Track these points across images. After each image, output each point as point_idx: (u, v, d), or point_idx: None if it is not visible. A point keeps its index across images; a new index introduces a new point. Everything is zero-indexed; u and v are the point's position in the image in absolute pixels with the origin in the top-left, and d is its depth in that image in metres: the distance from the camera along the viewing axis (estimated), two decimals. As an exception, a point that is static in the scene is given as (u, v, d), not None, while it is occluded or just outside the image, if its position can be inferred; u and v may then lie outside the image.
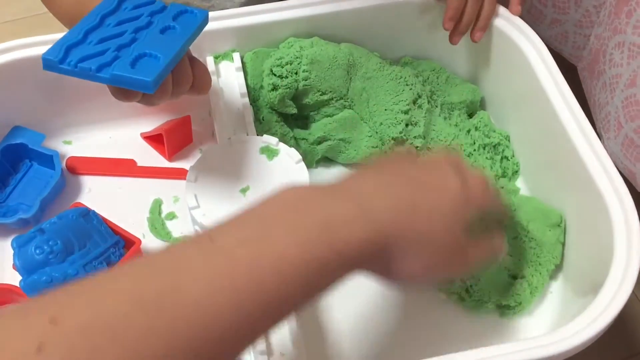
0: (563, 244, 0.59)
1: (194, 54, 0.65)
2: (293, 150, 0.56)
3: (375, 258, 0.38)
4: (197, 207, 0.53)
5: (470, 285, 0.56)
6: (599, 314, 0.47)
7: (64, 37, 0.47)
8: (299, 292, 0.35)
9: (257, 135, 0.60)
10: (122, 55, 0.46)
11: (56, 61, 0.46)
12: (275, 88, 0.62)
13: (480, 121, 0.66)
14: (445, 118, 0.67)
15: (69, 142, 0.69)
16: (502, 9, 0.65)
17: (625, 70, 0.65)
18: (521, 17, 0.64)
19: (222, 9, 0.65)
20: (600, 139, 0.56)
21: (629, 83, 0.65)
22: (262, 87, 0.66)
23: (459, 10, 0.63)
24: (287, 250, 0.34)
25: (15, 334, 0.28)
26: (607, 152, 0.68)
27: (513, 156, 0.66)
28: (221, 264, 0.33)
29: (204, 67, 0.52)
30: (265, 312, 0.34)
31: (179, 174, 0.66)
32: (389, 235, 0.38)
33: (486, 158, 0.65)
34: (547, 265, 0.58)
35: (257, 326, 0.34)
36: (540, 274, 0.57)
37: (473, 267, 0.45)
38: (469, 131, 0.66)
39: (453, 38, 0.65)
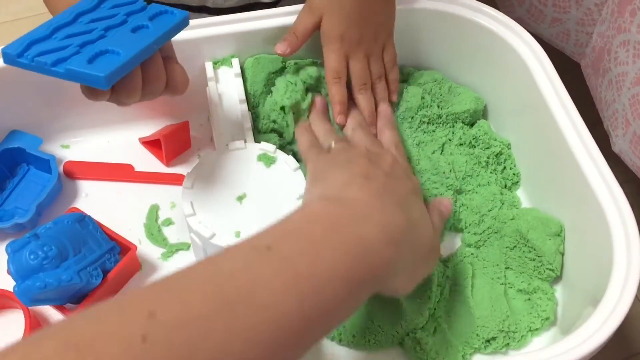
0: (563, 254, 0.58)
1: (193, 59, 0.65)
2: (290, 157, 0.56)
3: (393, 276, 0.43)
4: (193, 214, 0.52)
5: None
6: (600, 325, 0.47)
7: (30, 32, 0.46)
8: (345, 304, 0.39)
9: (255, 142, 0.60)
10: (83, 51, 0.45)
11: (14, 55, 0.45)
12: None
13: (480, 130, 0.66)
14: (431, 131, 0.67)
15: (66, 146, 0.69)
16: (501, 15, 0.65)
17: (631, 69, 0.65)
18: (520, 17, 0.64)
19: (219, 7, 0.65)
20: (608, 137, 0.55)
21: (635, 81, 0.64)
22: (262, 93, 0.65)
23: (343, 103, 0.62)
24: (337, 266, 0.38)
25: (118, 326, 0.31)
26: (615, 149, 0.68)
27: (514, 166, 0.66)
28: (286, 272, 0.36)
29: (179, 68, 0.51)
30: (322, 320, 0.37)
31: (177, 180, 0.66)
32: (401, 255, 0.43)
33: (491, 172, 0.65)
34: (547, 288, 0.57)
35: (315, 333, 0.37)
36: (545, 298, 0.57)
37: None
38: (471, 146, 0.66)
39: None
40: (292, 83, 0.63)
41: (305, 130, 0.60)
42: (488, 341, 0.55)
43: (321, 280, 0.37)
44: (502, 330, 0.55)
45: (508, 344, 0.55)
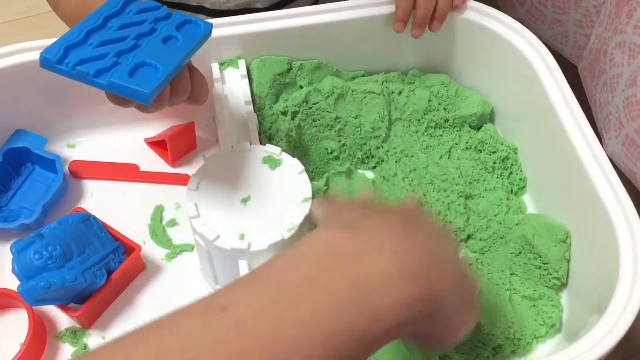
0: (569, 261, 0.58)
1: (200, 60, 0.65)
2: (296, 160, 0.55)
3: (416, 321, 0.35)
4: (198, 216, 0.52)
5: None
6: (604, 334, 0.46)
7: (64, 36, 0.46)
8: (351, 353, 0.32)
9: (261, 144, 0.59)
10: (121, 61, 0.46)
11: (54, 61, 0.45)
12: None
13: (486, 134, 0.66)
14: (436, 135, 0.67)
15: (72, 146, 0.69)
16: (508, 18, 0.64)
17: (626, 70, 0.65)
18: (521, 17, 0.64)
19: (217, 8, 0.65)
20: (600, 139, 0.55)
21: (630, 83, 0.64)
22: (268, 94, 0.65)
23: (406, 12, 0.63)
24: (314, 323, 0.32)
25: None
26: (608, 152, 0.68)
27: (520, 171, 0.65)
28: (250, 335, 0.31)
29: (202, 78, 0.52)
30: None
31: (182, 180, 0.66)
32: (427, 294, 0.35)
33: (497, 177, 0.64)
34: (553, 295, 0.57)
35: None
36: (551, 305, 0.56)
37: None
38: (478, 150, 0.66)
39: (413, 32, 0.65)
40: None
41: (326, 201, 0.49)
42: (494, 349, 0.54)
43: (286, 344, 0.31)
44: (508, 338, 0.54)
45: (514, 351, 0.54)
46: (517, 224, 0.60)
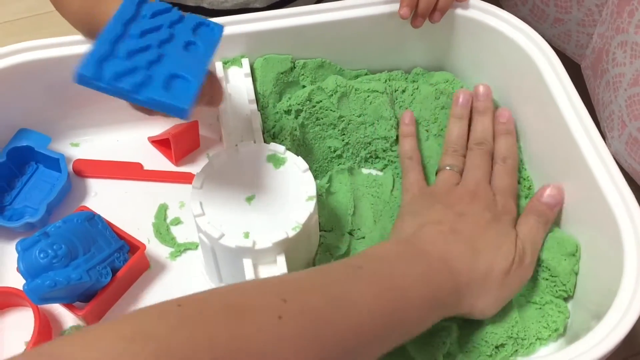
0: (577, 274, 0.57)
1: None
2: (300, 159, 0.56)
3: (465, 299, 0.51)
4: (202, 214, 0.52)
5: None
6: (608, 333, 0.46)
7: (95, 49, 0.46)
8: (417, 318, 0.47)
9: (264, 143, 0.60)
10: (153, 74, 0.46)
11: (92, 77, 0.45)
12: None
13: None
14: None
15: (76, 145, 0.69)
16: (512, 17, 0.64)
17: (628, 70, 0.65)
18: (524, 17, 0.64)
19: (215, 8, 0.65)
20: (604, 138, 0.55)
21: (632, 82, 0.64)
22: (271, 93, 0.65)
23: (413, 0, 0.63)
24: (409, 287, 0.47)
25: (260, 302, 0.39)
26: (611, 151, 0.68)
27: (525, 169, 0.65)
28: (374, 285, 0.45)
29: (218, 82, 0.53)
30: (398, 327, 0.46)
31: (186, 178, 0.66)
32: (463, 286, 0.51)
33: None
34: (562, 306, 0.56)
35: (393, 337, 0.46)
36: (556, 311, 0.56)
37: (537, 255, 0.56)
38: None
39: (414, 22, 0.65)
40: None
41: (410, 136, 0.64)
42: (497, 347, 0.54)
43: (398, 295, 0.46)
44: (511, 337, 0.54)
45: (516, 350, 0.54)
46: None
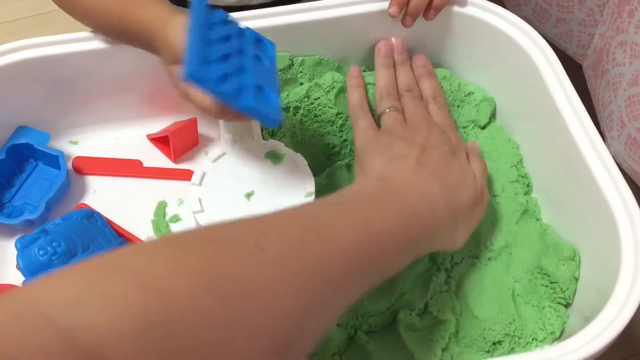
0: (577, 280, 0.57)
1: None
2: (299, 155, 0.56)
3: (441, 235, 0.51)
4: (201, 211, 0.53)
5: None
6: (589, 340, 0.47)
7: (193, 50, 0.46)
8: (397, 253, 0.47)
9: (263, 139, 0.60)
10: (244, 82, 0.48)
11: (200, 78, 0.46)
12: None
13: (491, 134, 0.66)
14: None
15: (75, 142, 0.69)
16: (511, 15, 0.65)
17: (627, 70, 0.65)
18: (526, 16, 0.64)
19: (218, 4, 0.65)
20: (603, 138, 0.55)
21: (632, 82, 0.64)
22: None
23: None
24: (388, 221, 0.46)
25: (239, 235, 0.39)
26: (611, 151, 0.68)
27: (523, 167, 0.65)
28: (351, 219, 0.44)
29: None
30: (377, 263, 0.45)
31: (185, 175, 0.66)
32: (440, 224, 0.50)
33: (510, 181, 0.64)
34: (561, 310, 0.56)
35: (372, 275, 0.45)
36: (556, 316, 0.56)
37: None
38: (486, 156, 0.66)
39: (403, 21, 0.66)
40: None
41: (358, 87, 0.64)
42: (494, 344, 0.55)
43: (376, 229, 0.45)
44: (508, 334, 0.55)
45: (513, 348, 0.55)
46: (524, 244, 0.60)
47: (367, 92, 0.65)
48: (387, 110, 0.61)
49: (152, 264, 0.34)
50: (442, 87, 0.67)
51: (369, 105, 0.64)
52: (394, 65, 0.67)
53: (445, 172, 0.54)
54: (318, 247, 0.41)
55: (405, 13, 0.65)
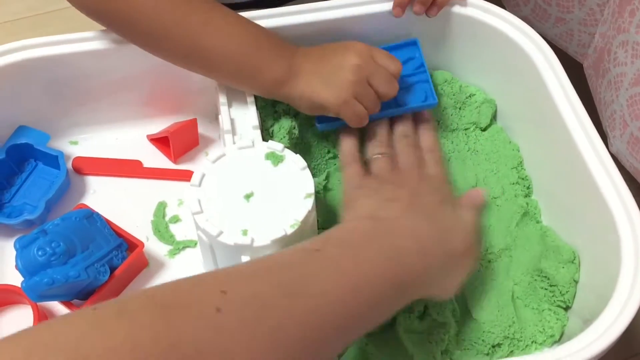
0: (577, 282, 0.57)
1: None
2: (298, 156, 0.56)
3: (431, 281, 0.48)
4: (201, 212, 0.52)
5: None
6: (588, 343, 0.46)
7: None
8: (384, 303, 0.44)
9: (263, 140, 0.60)
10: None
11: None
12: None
13: (492, 135, 0.66)
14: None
15: (75, 143, 0.69)
16: (511, 16, 0.64)
17: (629, 69, 0.65)
18: (526, 16, 0.63)
19: (227, 2, 0.65)
20: (606, 138, 0.55)
21: (634, 82, 0.64)
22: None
23: None
24: (376, 268, 0.43)
25: (196, 297, 0.36)
26: (613, 150, 0.68)
27: (524, 169, 0.65)
28: (332, 269, 0.42)
29: None
30: (362, 314, 0.42)
31: (185, 176, 0.66)
32: (430, 270, 0.47)
33: (510, 183, 0.64)
34: (560, 313, 0.56)
35: (357, 327, 0.42)
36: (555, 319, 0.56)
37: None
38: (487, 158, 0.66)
39: (394, 9, 0.65)
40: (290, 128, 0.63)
41: (351, 136, 0.62)
42: (493, 347, 0.54)
43: (361, 278, 0.42)
44: (507, 337, 0.54)
45: (512, 351, 0.55)
46: (524, 246, 0.60)
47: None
48: (378, 155, 0.59)
49: (84, 338, 0.31)
50: (444, 93, 0.67)
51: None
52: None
53: (437, 216, 0.51)
54: (287, 304, 0.38)
55: (394, 1, 0.64)
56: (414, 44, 0.66)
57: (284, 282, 0.39)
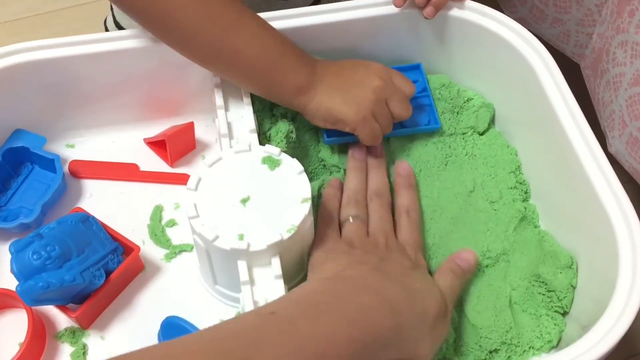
0: (575, 288, 0.57)
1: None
2: (295, 161, 0.55)
3: (402, 343, 0.44)
4: (197, 216, 0.52)
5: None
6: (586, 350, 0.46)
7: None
8: None
9: (260, 144, 0.59)
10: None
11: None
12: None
13: (490, 140, 0.66)
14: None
15: (71, 146, 0.69)
16: (508, 19, 0.64)
17: (628, 69, 0.65)
18: (522, 17, 0.63)
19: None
20: (605, 138, 0.55)
21: (633, 82, 0.64)
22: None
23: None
24: (339, 330, 0.40)
25: None
26: (612, 150, 0.68)
27: (521, 174, 0.65)
28: (289, 333, 0.39)
29: None
30: None
31: (181, 180, 0.66)
32: (403, 326, 0.44)
33: (508, 187, 0.64)
34: (558, 319, 0.56)
35: None
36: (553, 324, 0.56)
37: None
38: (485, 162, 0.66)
39: (395, 0, 0.65)
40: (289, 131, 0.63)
41: (334, 198, 0.60)
42: (491, 352, 0.54)
43: (323, 342, 0.39)
44: (505, 343, 0.54)
45: (510, 356, 0.54)
46: (522, 251, 0.59)
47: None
48: (351, 219, 0.57)
49: None
50: (442, 97, 0.67)
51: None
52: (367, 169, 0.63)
53: (406, 279, 0.49)
54: None
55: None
56: (417, 67, 0.68)
57: (232, 350, 0.36)
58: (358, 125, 0.59)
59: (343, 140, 0.64)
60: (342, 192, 0.61)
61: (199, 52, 0.58)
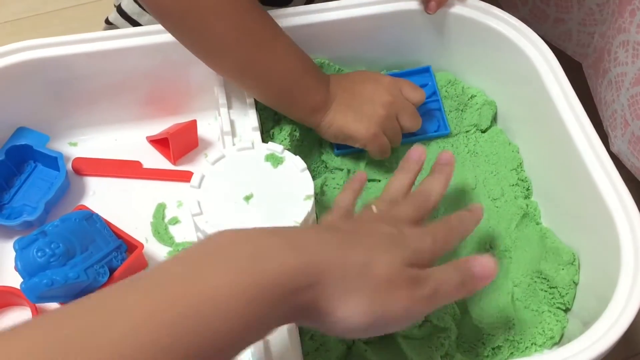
0: (577, 284, 0.57)
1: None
2: (298, 158, 0.55)
3: (311, 295, 0.37)
4: (200, 214, 0.52)
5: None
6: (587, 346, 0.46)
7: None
8: (237, 324, 0.34)
9: (263, 142, 0.60)
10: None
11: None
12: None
13: (492, 137, 0.66)
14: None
15: (74, 144, 0.69)
16: (511, 18, 0.64)
17: (630, 69, 0.65)
18: (524, 17, 0.64)
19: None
20: (607, 138, 0.55)
21: (635, 81, 0.64)
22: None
23: None
24: (220, 282, 0.35)
25: None
26: (614, 150, 0.68)
27: (523, 170, 0.65)
28: (154, 300, 0.33)
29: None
30: (205, 348, 0.33)
31: (184, 177, 0.66)
32: (319, 267, 0.37)
33: (511, 185, 0.64)
34: (560, 315, 0.56)
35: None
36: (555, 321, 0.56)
37: (437, 303, 0.42)
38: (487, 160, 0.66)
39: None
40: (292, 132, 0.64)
41: (352, 190, 0.54)
42: (494, 349, 0.54)
43: (195, 302, 0.34)
44: (508, 339, 0.54)
45: (512, 353, 0.54)
46: (524, 248, 0.60)
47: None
48: (374, 207, 0.50)
49: None
50: (447, 94, 0.67)
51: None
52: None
53: (363, 235, 0.42)
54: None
55: None
56: (426, 70, 0.68)
57: (67, 337, 0.31)
58: (368, 142, 0.60)
59: (352, 151, 0.65)
60: (361, 189, 0.55)
61: (229, 65, 0.58)
